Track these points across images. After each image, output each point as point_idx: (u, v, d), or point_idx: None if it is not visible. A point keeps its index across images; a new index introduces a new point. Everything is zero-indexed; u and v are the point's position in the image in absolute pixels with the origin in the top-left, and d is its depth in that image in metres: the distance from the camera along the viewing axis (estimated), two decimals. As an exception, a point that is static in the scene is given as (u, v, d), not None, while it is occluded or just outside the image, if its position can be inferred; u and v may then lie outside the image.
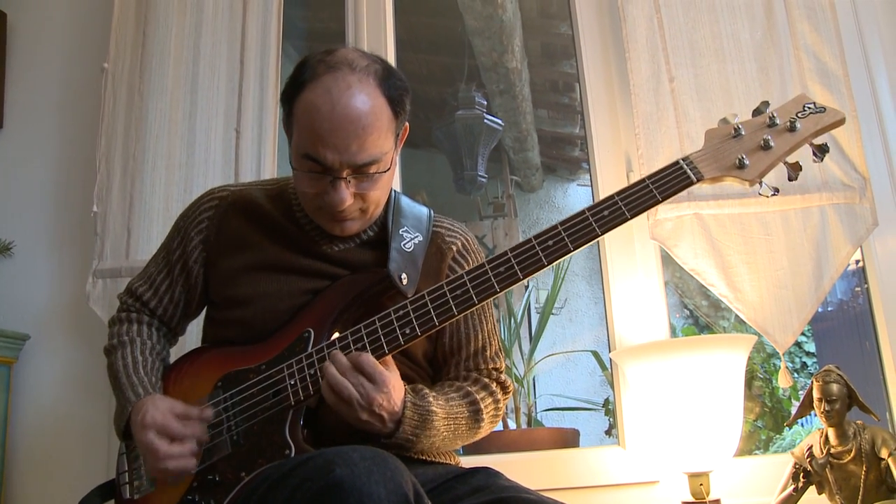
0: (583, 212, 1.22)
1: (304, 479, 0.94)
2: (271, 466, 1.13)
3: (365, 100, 1.22)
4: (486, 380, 1.39)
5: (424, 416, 1.23)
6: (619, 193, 1.22)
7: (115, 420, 1.33)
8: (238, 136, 2.10)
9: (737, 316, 1.97)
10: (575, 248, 1.20)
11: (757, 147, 1.24)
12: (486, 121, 4.80)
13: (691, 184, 1.22)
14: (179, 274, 1.43)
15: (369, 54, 1.30)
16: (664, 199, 1.21)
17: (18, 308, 2.12)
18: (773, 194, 1.23)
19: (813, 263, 1.93)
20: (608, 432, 3.62)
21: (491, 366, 1.42)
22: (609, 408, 3.52)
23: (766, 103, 1.29)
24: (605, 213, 1.21)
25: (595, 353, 3.44)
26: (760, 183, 1.23)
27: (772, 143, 1.23)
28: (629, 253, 2.08)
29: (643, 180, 1.23)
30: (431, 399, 1.26)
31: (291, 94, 1.26)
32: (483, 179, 5.09)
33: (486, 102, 4.79)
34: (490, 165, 5.20)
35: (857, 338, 4.27)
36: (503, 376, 1.43)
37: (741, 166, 1.22)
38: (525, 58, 4.45)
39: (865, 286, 2.10)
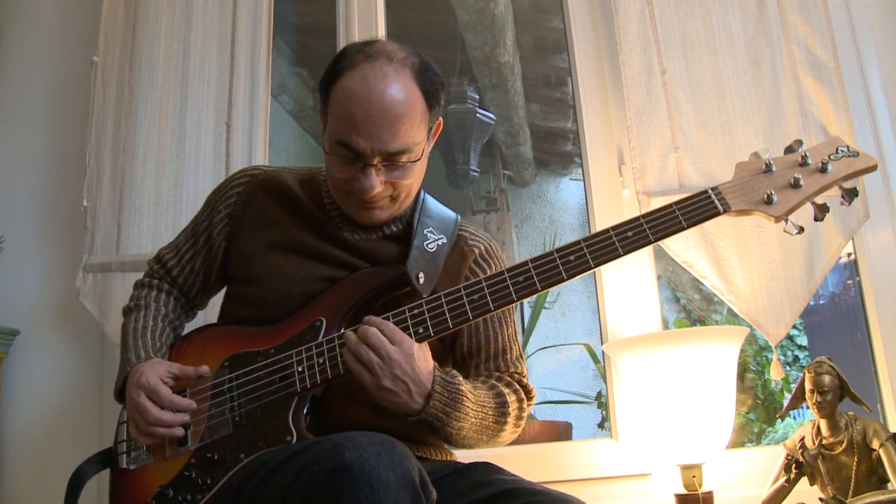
0: (607, 230, 1.23)
1: (310, 462, 0.95)
2: (272, 451, 1.13)
3: (399, 89, 1.24)
4: (509, 379, 1.38)
5: (455, 394, 1.22)
6: (644, 216, 1.23)
7: (116, 382, 1.34)
8: (229, 130, 2.09)
9: (729, 310, 1.98)
10: (595, 265, 1.21)
11: (787, 185, 1.25)
12: (478, 115, 4.78)
13: (717, 214, 1.23)
14: (203, 245, 1.46)
15: (408, 47, 1.32)
16: (689, 227, 1.22)
17: (8, 303, 2.10)
18: (798, 232, 1.24)
19: (805, 255, 1.93)
20: (601, 425, 3.62)
21: (513, 369, 1.41)
22: (602, 401, 3.53)
23: (798, 142, 1.30)
24: (630, 234, 1.22)
25: (587, 346, 3.44)
26: (786, 220, 1.24)
27: (802, 183, 1.24)
28: (622, 246, 2.08)
29: (670, 206, 1.24)
30: (461, 379, 1.25)
31: (329, 81, 1.29)
32: (475, 174, 5.07)
33: (477, 97, 4.78)
34: (482, 160, 5.18)
35: (849, 330, 4.28)
36: (526, 380, 1.41)
37: (769, 202, 1.23)
38: (517, 52, 4.44)
39: (857, 279, 2.10)
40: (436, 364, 1.23)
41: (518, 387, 1.38)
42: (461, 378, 1.26)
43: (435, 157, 5.22)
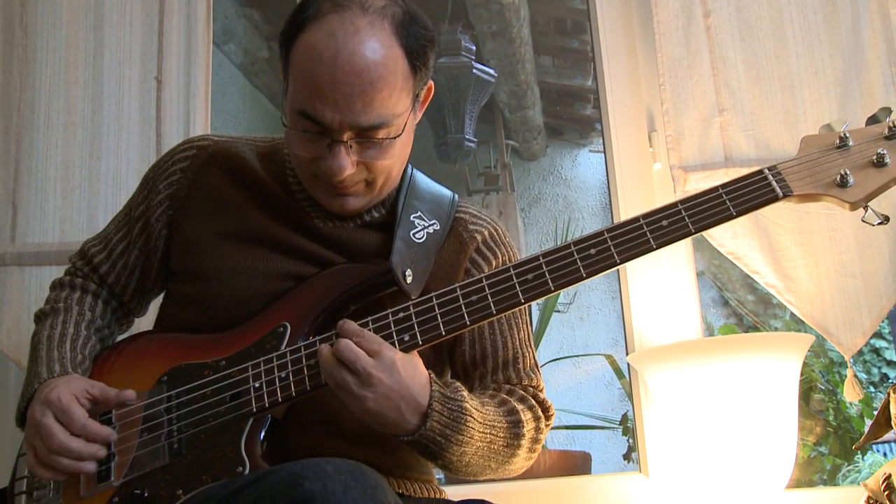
0: (636, 219, 1.24)
1: (263, 495, 0.95)
2: (218, 485, 1.13)
3: (376, 48, 1.24)
4: (523, 393, 1.39)
5: (457, 413, 1.22)
6: (683, 202, 1.24)
7: (20, 401, 1.32)
8: (159, 87, 2.10)
9: (793, 315, 1.98)
10: (622, 262, 1.22)
11: (867, 163, 1.22)
12: (474, 71, 4.79)
13: (776, 199, 1.22)
14: (139, 234, 1.47)
15: None
16: (739, 215, 1.23)
17: None
18: (881, 223, 1.22)
19: (890, 245, 1.93)
20: (627, 456, 3.62)
21: (526, 381, 1.42)
22: (628, 426, 3.53)
23: (885, 110, 1.28)
24: (665, 223, 1.23)
25: (610, 358, 3.43)
26: (866, 207, 1.22)
27: (887, 160, 1.21)
28: (652, 234, 2.08)
29: (716, 188, 1.24)
30: (465, 394, 1.25)
31: (290, 35, 1.28)
32: (471, 144, 5.08)
33: (474, 48, 4.79)
34: (480, 127, 5.19)
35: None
36: (542, 395, 1.42)
37: (843, 184, 1.21)
38: (524, -10, 4.44)
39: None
40: (431, 375, 1.23)
41: (534, 402, 1.38)
42: (465, 392, 1.26)
43: (421, 125, 5.18)
